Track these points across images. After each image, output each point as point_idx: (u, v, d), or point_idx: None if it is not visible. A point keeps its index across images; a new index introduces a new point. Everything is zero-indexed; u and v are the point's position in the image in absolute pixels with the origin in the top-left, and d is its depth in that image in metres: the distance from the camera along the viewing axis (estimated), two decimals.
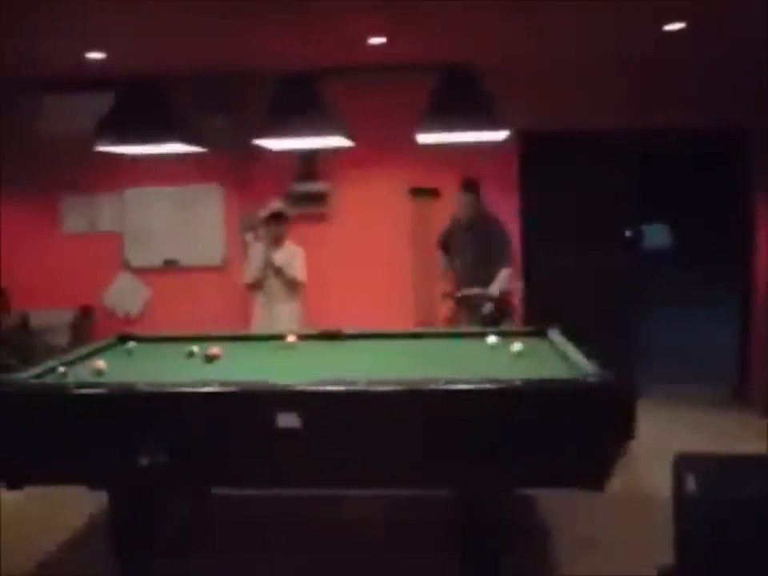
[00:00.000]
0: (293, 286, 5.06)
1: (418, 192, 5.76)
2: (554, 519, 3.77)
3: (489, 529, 2.91)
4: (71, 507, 3.91)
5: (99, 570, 3.15)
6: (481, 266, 4.84)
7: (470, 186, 4.89)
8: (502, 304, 4.60)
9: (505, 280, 4.70)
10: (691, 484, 2.05)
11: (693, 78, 5.58)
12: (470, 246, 4.93)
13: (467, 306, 4.84)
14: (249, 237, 5.70)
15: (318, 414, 2.72)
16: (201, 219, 6.05)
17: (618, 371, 2.79)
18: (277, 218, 5.02)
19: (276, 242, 5.03)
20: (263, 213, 5.08)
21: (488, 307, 4.58)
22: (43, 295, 6.03)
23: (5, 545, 3.53)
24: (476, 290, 4.74)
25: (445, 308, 5.23)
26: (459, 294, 4.91)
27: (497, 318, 4.62)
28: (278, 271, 4.99)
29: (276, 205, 5.10)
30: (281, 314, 5.01)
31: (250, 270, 5.08)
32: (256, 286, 5.06)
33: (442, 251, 5.25)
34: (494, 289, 4.65)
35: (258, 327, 4.96)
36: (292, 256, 5.06)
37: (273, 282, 5.02)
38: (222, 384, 2.82)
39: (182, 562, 3.37)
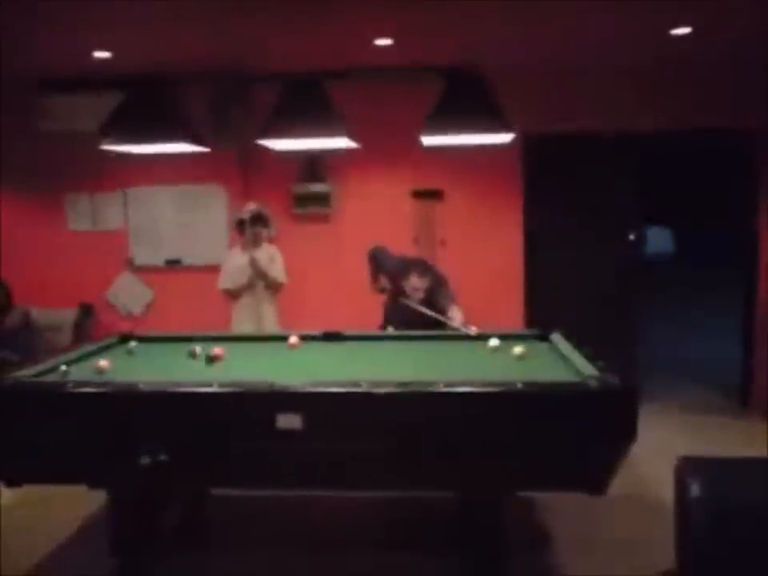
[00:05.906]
0: (275, 288, 5.10)
1: (420, 194, 5.75)
2: (555, 521, 3.76)
3: (489, 530, 2.90)
4: (70, 506, 3.91)
5: (98, 570, 3.15)
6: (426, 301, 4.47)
7: (428, 270, 4.50)
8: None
9: (460, 316, 4.24)
10: (693, 487, 2.05)
11: (698, 82, 5.57)
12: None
13: (408, 313, 4.43)
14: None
15: (320, 415, 2.71)
16: (204, 219, 6.06)
17: (619, 374, 2.78)
18: (258, 219, 5.06)
19: (256, 243, 5.06)
20: (244, 215, 5.10)
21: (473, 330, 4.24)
22: (46, 293, 6.04)
23: (4, 544, 3.53)
24: (429, 312, 4.30)
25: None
26: (408, 303, 4.43)
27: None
28: (262, 274, 5.01)
29: (254, 206, 5.13)
30: (266, 316, 5.05)
31: (230, 276, 5.06)
32: (240, 291, 5.04)
33: (373, 268, 4.92)
34: (459, 324, 4.15)
35: (243, 329, 4.95)
36: (271, 257, 5.09)
37: (257, 284, 5.04)
38: (224, 384, 2.82)
39: (182, 561, 3.36)
